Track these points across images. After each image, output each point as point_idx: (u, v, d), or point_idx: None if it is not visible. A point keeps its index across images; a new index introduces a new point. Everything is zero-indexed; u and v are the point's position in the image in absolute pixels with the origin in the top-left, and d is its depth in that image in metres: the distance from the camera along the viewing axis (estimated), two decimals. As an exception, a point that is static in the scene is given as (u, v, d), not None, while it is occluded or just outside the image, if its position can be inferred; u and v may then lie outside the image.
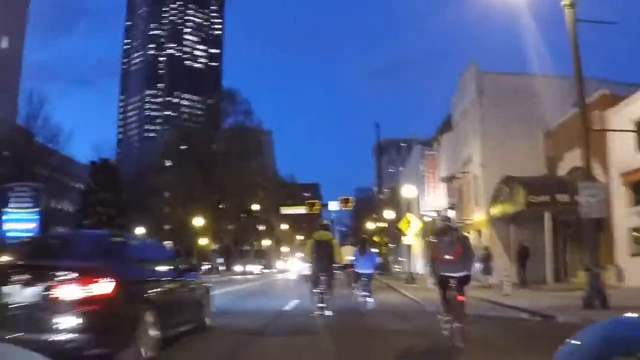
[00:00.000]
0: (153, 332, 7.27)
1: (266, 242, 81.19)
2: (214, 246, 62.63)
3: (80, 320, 6.09)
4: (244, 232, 74.06)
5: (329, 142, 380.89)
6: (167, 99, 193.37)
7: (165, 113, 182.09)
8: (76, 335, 6.06)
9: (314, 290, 12.39)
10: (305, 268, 17.48)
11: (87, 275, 6.32)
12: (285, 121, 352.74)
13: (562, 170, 26.82)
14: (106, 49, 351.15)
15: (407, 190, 33.90)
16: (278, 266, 51.36)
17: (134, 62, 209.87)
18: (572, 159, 26.04)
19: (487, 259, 26.31)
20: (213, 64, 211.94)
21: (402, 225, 29.89)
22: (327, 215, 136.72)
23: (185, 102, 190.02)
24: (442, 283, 9.04)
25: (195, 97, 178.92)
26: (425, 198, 41.64)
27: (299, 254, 62.36)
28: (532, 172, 26.33)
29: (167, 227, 60.17)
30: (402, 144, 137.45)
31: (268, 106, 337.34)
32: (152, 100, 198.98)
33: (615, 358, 0.80)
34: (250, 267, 65.98)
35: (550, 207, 23.64)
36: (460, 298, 8.78)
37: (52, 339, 5.98)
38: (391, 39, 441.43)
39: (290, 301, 17.28)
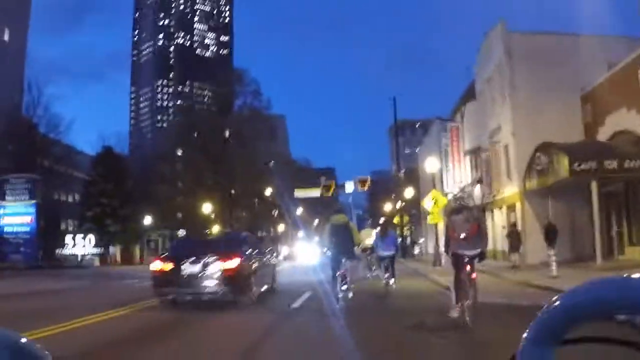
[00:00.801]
0: (254, 288, 12.88)
1: (281, 228, 78.57)
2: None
3: (221, 281, 11.76)
4: (258, 218, 71.70)
5: (343, 126, 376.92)
6: (179, 88, 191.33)
7: (177, 103, 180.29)
8: (219, 289, 11.76)
9: (336, 274, 12.14)
10: (320, 253, 20.88)
11: (224, 257, 12.01)
12: (299, 106, 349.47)
13: (603, 135, 24.04)
14: (117, 42, 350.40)
15: (430, 164, 31.06)
16: (283, 252, 46.12)
17: (143, 53, 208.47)
18: (614, 123, 23.32)
19: (512, 236, 24.39)
20: (224, 51, 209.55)
21: (426, 202, 27.17)
22: (343, 197, 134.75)
23: (197, 91, 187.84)
24: (456, 261, 9.26)
25: (206, 86, 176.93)
26: (449, 174, 38.80)
27: (313, 237, 60.30)
28: (568, 139, 23.49)
29: (178, 215, 57.98)
30: (418, 125, 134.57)
31: (281, 91, 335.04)
32: (164, 90, 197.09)
33: (591, 321, 0.75)
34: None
35: (597, 175, 20.81)
36: (472, 276, 9.05)
37: (207, 291, 11.81)
38: (406, 23, 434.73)
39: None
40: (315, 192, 53.64)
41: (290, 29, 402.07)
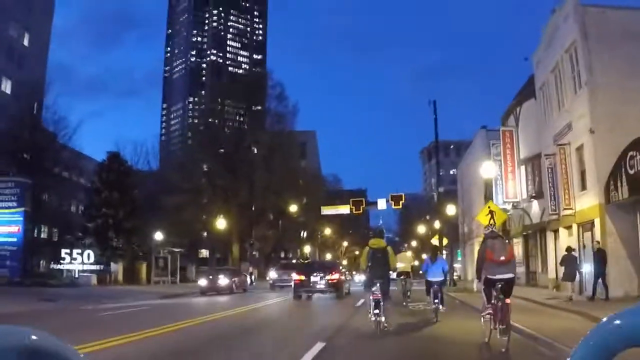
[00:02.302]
0: (344, 289, 27.94)
1: (307, 250, 73.11)
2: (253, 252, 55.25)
3: (331, 287, 26.00)
4: (282, 238, 66.47)
5: (374, 148, 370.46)
6: (211, 106, 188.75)
7: (209, 120, 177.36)
8: (327, 289, 26.01)
9: (370, 297, 12.14)
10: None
11: (329, 273, 26.68)
12: (330, 125, 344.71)
13: None
14: (153, 59, 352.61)
15: (487, 170, 25.50)
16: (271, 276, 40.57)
17: (176, 69, 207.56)
18: None
19: (566, 261, 20.46)
20: (257, 69, 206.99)
21: (481, 216, 21.50)
22: (374, 220, 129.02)
23: (229, 109, 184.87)
24: (488, 285, 9.44)
25: (238, 104, 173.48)
26: (499, 188, 33.03)
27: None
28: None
29: (194, 230, 53.13)
30: (452, 147, 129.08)
31: (313, 109, 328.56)
32: (195, 107, 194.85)
33: None
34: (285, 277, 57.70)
35: None
36: (507, 301, 9.01)
37: (325, 293, 26.31)
38: (440, 42, 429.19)
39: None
40: (344, 209, 48.37)
41: (322, 48, 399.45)
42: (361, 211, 47.49)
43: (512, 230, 32.34)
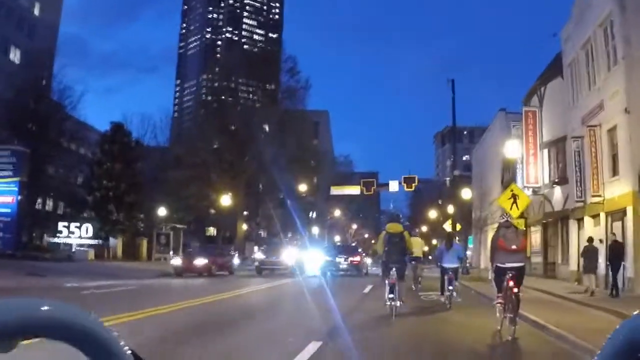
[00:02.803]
0: (364, 269, 34.78)
1: (315, 231, 71.46)
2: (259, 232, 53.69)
3: (351, 265, 32.66)
4: (290, 218, 64.92)
5: (387, 132, 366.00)
6: (224, 83, 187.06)
7: (221, 97, 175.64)
8: (350, 268, 32.47)
9: (386, 282, 12.14)
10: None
11: (352, 255, 33.86)
12: (344, 109, 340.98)
13: None
14: (169, 35, 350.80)
15: (511, 149, 23.64)
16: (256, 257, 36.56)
17: (190, 46, 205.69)
18: None
19: (587, 252, 18.98)
20: (272, 48, 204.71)
21: (503, 200, 19.66)
22: (385, 204, 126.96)
23: (243, 87, 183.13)
24: (499, 273, 9.62)
25: (252, 82, 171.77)
26: (520, 172, 31.11)
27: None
28: None
29: (205, 208, 51.55)
30: (465, 132, 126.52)
31: (328, 91, 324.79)
32: (208, 84, 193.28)
33: None
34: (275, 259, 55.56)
35: None
36: (514, 290, 9.18)
37: (345, 268, 32.51)
38: (457, 29, 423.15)
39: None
40: (354, 190, 46.71)
41: (340, 30, 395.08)
42: (372, 192, 45.81)
43: (530, 218, 30.54)
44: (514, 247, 9.31)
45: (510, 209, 18.49)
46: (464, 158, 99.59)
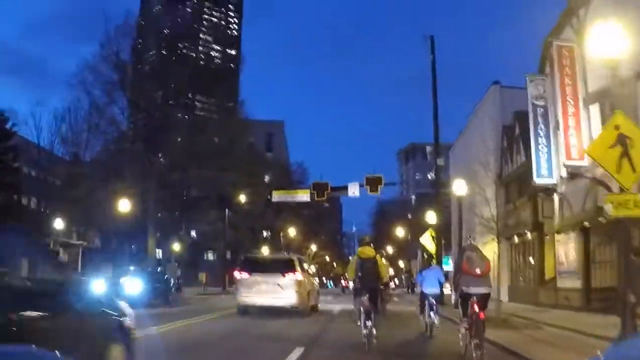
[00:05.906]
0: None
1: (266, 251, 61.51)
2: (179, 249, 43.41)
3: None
4: (237, 237, 54.86)
5: (350, 148, 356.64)
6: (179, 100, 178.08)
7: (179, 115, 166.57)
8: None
9: (361, 309, 11.21)
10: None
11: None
12: (305, 124, 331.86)
13: None
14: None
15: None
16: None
17: (146, 62, 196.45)
18: None
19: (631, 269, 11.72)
20: (230, 65, 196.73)
21: (600, 152, 9.56)
22: (347, 223, 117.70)
23: (199, 105, 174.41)
24: (464, 298, 9.38)
25: (210, 100, 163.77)
26: (554, 143, 20.38)
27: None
28: None
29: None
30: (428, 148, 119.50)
31: (287, 108, 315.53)
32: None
33: None
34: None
35: None
36: (481, 316, 8.86)
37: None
38: (420, 50, 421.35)
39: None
40: (304, 195, 37.01)
41: (301, 47, 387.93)
42: (325, 197, 36.09)
43: (557, 220, 21.24)
44: (477, 271, 9.04)
45: (618, 171, 8.97)
46: (429, 176, 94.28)
